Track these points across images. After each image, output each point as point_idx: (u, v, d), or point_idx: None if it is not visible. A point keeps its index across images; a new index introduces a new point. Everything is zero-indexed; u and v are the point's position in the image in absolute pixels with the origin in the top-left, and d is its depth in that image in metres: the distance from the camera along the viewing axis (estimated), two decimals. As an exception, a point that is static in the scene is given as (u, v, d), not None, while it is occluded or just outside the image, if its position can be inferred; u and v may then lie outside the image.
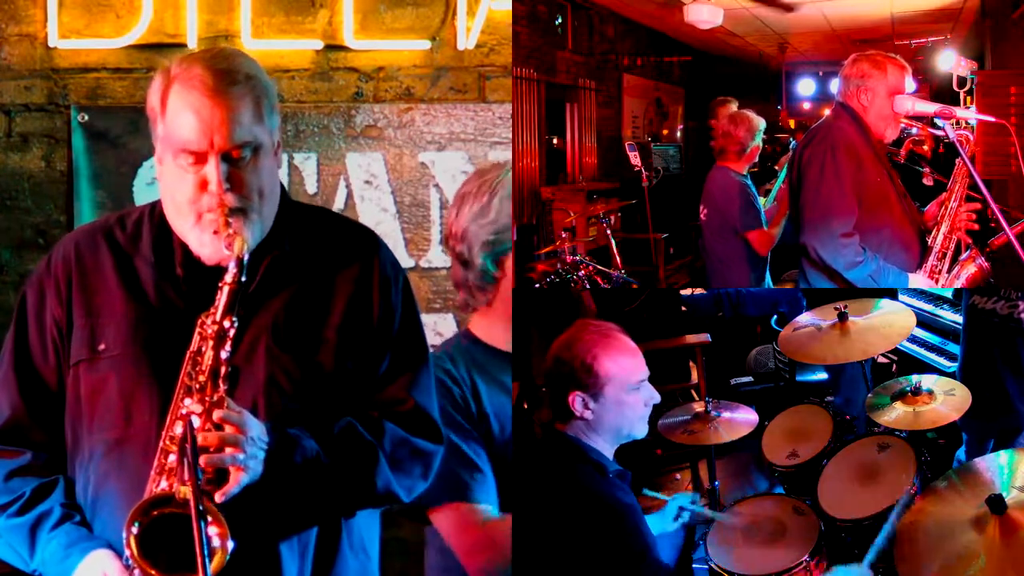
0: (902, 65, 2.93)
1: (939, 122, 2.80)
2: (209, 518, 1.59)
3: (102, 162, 3.42)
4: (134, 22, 3.40)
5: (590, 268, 4.66)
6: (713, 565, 2.53)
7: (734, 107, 4.59)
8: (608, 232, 5.06)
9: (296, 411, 1.82)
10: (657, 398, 2.25)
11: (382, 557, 2.03)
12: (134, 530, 1.62)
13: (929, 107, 2.83)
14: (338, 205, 3.45)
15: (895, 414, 2.77)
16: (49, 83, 3.44)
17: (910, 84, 2.93)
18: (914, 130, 2.98)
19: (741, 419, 3.16)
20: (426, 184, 3.47)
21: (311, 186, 3.45)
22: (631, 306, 4.81)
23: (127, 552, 1.63)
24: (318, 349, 1.85)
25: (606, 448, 2.23)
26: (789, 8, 6.52)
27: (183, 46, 3.37)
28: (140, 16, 3.39)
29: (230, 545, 1.60)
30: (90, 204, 3.42)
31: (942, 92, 4.57)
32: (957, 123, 2.84)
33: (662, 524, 2.49)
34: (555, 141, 7.23)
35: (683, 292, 5.19)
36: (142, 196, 3.40)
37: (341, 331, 1.87)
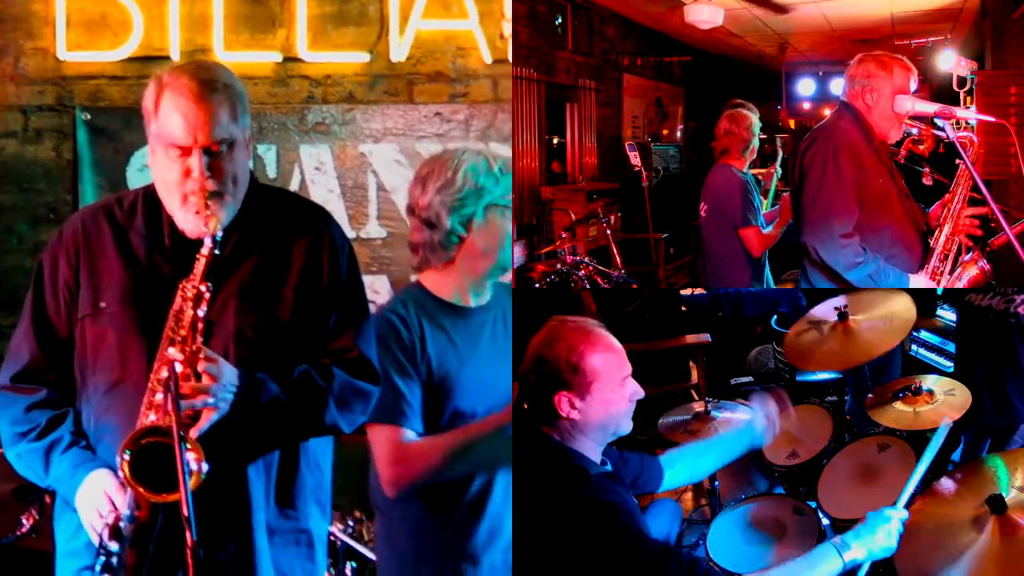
0: (907, 66, 2.90)
1: (939, 122, 2.79)
2: (188, 445, 1.92)
3: (101, 153, 4.17)
4: (127, 38, 4.15)
5: (590, 268, 4.66)
6: (713, 565, 2.54)
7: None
8: (608, 232, 5.05)
9: (260, 357, 2.16)
10: (641, 393, 2.20)
11: (333, 471, 2.38)
12: (126, 456, 1.94)
13: (929, 107, 2.81)
14: (293, 187, 4.15)
15: (895, 414, 2.77)
16: (58, 88, 4.19)
17: (913, 85, 2.92)
18: (915, 130, 2.97)
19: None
20: (365, 170, 4.22)
21: (271, 172, 4.19)
22: (631, 306, 4.82)
23: (120, 474, 1.96)
24: (277, 306, 2.21)
25: (592, 448, 2.19)
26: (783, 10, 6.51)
27: (167, 58, 4.12)
28: (132, 33, 4.14)
29: (205, 467, 1.94)
30: (92, 186, 4.17)
31: (942, 92, 4.56)
32: (958, 124, 2.83)
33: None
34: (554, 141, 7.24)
35: (683, 292, 5.18)
36: (134, 180, 4.13)
37: (297, 291, 2.22)
